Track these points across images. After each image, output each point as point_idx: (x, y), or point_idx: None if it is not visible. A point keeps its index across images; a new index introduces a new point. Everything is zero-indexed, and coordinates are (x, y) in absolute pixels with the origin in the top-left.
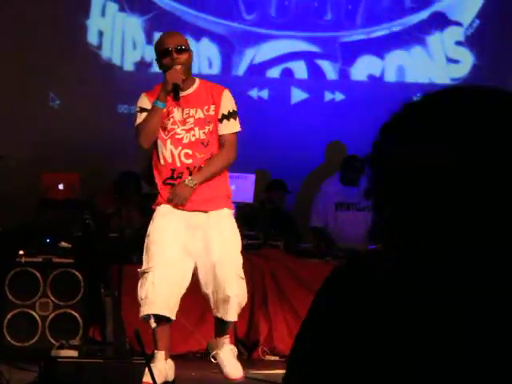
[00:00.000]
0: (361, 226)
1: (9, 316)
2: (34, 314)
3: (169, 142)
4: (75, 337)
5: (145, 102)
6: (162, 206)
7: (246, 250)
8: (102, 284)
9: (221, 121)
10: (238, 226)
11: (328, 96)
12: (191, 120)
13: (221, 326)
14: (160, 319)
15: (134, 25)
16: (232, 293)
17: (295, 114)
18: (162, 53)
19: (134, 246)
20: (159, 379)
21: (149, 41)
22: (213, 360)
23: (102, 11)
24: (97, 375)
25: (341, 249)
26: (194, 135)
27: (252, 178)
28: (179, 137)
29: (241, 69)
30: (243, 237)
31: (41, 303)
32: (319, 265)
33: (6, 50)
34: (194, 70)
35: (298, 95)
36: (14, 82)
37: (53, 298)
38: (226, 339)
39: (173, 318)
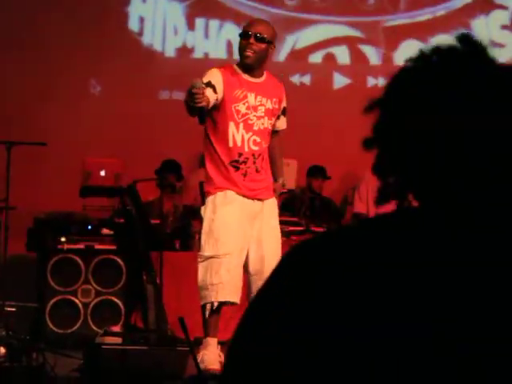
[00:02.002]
0: None
1: (51, 303)
2: (75, 300)
3: (241, 125)
4: (117, 324)
5: (217, 79)
6: (226, 191)
7: (288, 237)
8: (143, 271)
9: (279, 116)
10: (280, 213)
11: (371, 81)
12: (262, 108)
13: None
14: (220, 307)
15: (175, 10)
16: None
17: (337, 99)
18: (242, 34)
19: (175, 233)
20: (216, 365)
21: (190, 26)
22: None
23: None
24: (141, 362)
25: None
26: (263, 124)
27: (294, 164)
28: (251, 122)
29: (282, 54)
30: (286, 223)
31: (83, 290)
32: None
33: (47, 37)
34: (235, 56)
35: (340, 81)
36: (55, 69)
37: (95, 285)
38: None
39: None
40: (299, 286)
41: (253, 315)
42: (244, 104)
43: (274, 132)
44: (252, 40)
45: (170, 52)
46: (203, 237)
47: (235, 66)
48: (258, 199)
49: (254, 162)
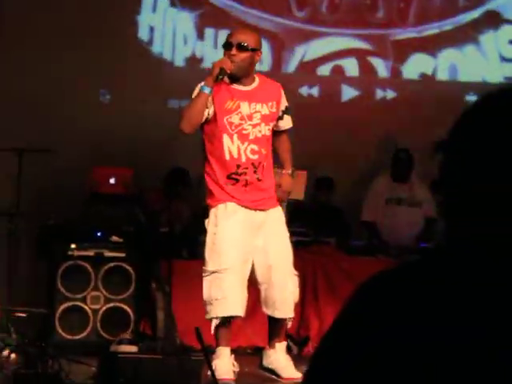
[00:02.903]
0: (411, 222)
1: (60, 309)
2: (85, 307)
3: (235, 136)
4: (126, 331)
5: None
6: (226, 203)
7: (296, 247)
8: (152, 279)
9: (281, 117)
10: (289, 223)
11: (379, 94)
12: (258, 115)
13: (274, 324)
14: (229, 319)
15: (185, 20)
16: (288, 291)
17: (346, 111)
18: (225, 45)
19: (184, 241)
20: (230, 374)
21: (200, 36)
22: (264, 371)
23: (153, 7)
24: (156, 371)
25: (393, 247)
26: (260, 131)
27: (304, 175)
28: (246, 132)
29: (291, 66)
30: (294, 234)
31: (92, 297)
32: (371, 262)
33: (57, 46)
34: None
35: (348, 93)
36: (65, 78)
37: (104, 292)
38: (280, 342)
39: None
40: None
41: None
42: (237, 114)
43: (280, 132)
44: (234, 50)
45: (180, 61)
46: (207, 251)
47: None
48: (261, 209)
49: (255, 172)
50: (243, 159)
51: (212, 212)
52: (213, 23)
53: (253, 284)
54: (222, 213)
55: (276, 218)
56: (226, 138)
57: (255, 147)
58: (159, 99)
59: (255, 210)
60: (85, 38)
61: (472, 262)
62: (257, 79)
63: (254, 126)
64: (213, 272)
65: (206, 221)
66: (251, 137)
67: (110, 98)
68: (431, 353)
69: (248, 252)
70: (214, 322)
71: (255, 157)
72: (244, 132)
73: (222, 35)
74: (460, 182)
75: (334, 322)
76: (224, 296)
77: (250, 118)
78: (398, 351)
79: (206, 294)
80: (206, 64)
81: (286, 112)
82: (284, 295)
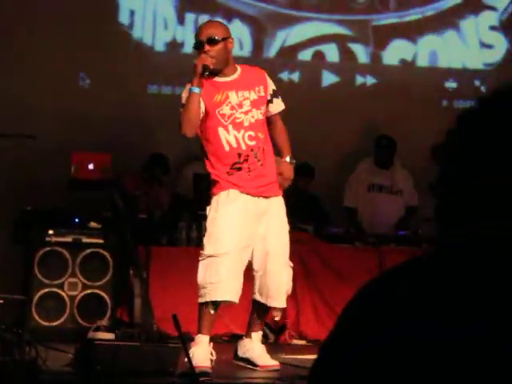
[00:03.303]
0: (391, 209)
1: (37, 295)
2: (62, 293)
3: (230, 127)
4: (103, 317)
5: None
6: (229, 190)
7: None
8: (130, 265)
9: (271, 100)
10: None
11: (359, 80)
12: (247, 102)
13: (262, 313)
14: (218, 305)
15: (165, 4)
16: (282, 281)
17: (326, 97)
18: (196, 44)
19: (163, 227)
20: (207, 362)
21: (180, 21)
22: (238, 361)
23: None
24: (133, 358)
25: (371, 235)
26: (252, 117)
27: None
28: (239, 120)
29: (272, 51)
30: None
31: (69, 283)
32: (349, 250)
33: (36, 28)
34: None
35: (329, 78)
36: (43, 61)
37: (82, 278)
38: (259, 332)
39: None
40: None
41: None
42: (227, 105)
43: (272, 117)
44: (207, 47)
45: (160, 46)
46: (206, 236)
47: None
48: (264, 197)
49: (256, 156)
50: (243, 147)
51: (214, 199)
52: (194, 8)
53: (251, 271)
54: (223, 199)
55: (278, 207)
56: (221, 131)
57: (252, 133)
58: (139, 84)
59: (258, 197)
60: (65, 22)
61: (476, 256)
62: (239, 68)
63: (246, 112)
64: (209, 256)
65: (208, 208)
66: (246, 124)
67: (89, 82)
68: (440, 349)
69: (249, 238)
70: (206, 307)
71: (253, 142)
72: (237, 121)
73: (203, 20)
74: (456, 180)
75: (340, 317)
76: (219, 280)
77: (240, 105)
78: (408, 347)
79: (200, 278)
80: (187, 49)
81: (274, 95)
82: (278, 284)
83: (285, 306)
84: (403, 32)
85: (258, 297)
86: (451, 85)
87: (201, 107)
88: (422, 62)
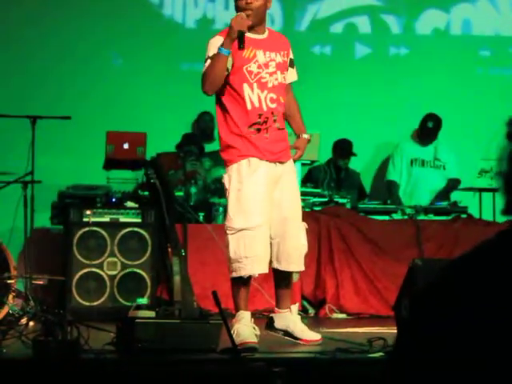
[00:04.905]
0: (434, 183)
1: (77, 276)
2: (102, 273)
3: (255, 85)
4: (143, 296)
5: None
6: (249, 159)
7: (311, 208)
8: (168, 243)
9: (287, 69)
10: (304, 183)
11: (392, 51)
12: (273, 64)
13: (285, 280)
14: (250, 278)
15: None
16: (300, 244)
17: (359, 69)
18: None
19: (199, 204)
20: (253, 338)
21: None
22: (275, 332)
23: None
24: (175, 336)
25: (408, 206)
26: (276, 79)
27: (316, 136)
28: (264, 80)
29: (303, 24)
30: (309, 194)
31: (108, 263)
32: (386, 222)
33: (68, 9)
34: None
35: (362, 50)
36: (76, 41)
37: (120, 258)
38: (294, 304)
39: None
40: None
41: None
42: (255, 63)
43: (286, 86)
44: None
45: (191, 23)
46: (231, 208)
47: None
48: (280, 162)
49: (275, 121)
50: (264, 108)
51: (234, 168)
52: None
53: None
54: (245, 169)
55: (291, 170)
56: (246, 88)
57: (274, 95)
58: (171, 62)
59: (275, 162)
60: (95, 2)
61: None
62: (266, 30)
63: (271, 74)
64: (240, 230)
65: (225, 176)
66: (269, 85)
67: (121, 61)
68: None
69: (270, 206)
70: (241, 281)
71: (274, 105)
72: (263, 80)
73: None
74: None
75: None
76: (255, 254)
77: (267, 66)
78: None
79: (233, 252)
80: (217, 25)
81: (291, 65)
82: (297, 248)
83: (303, 269)
84: (435, 1)
85: (276, 265)
86: (485, 53)
87: (227, 64)
88: (456, 30)
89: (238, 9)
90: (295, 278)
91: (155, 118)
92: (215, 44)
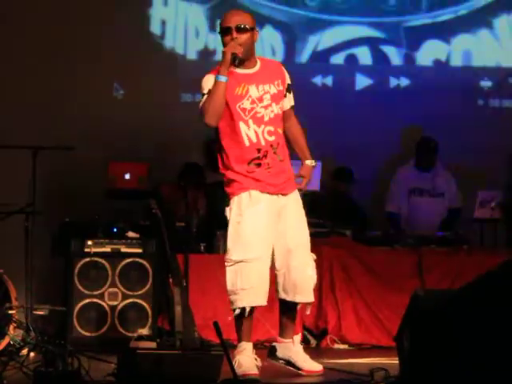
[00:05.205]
0: (433, 212)
1: (78, 306)
2: (103, 303)
3: (251, 121)
4: (144, 326)
5: (212, 82)
6: (249, 191)
7: (313, 238)
8: (169, 273)
9: (285, 95)
10: (306, 214)
11: (393, 82)
12: (267, 96)
13: (291, 311)
14: (252, 311)
15: (196, 13)
16: (307, 275)
17: (360, 100)
18: (223, 31)
19: (200, 235)
20: (255, 369)
21: (212, 29)
22: (276, 361)
23: (165, 0)
24: (176, 367)
25: (410, 236)
26: (272, 111)
27: (318, 165)
28: (260, 115)
29: (304, 56)
30: (311, 225)
31: (109, 293)
32: (388, 252)
33: (70, 41)
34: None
35: (362, 81)
36: (79, 72)
37: (121, 288)
38: (297, 334)
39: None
40: None
41: None
42: (248, 99)
43: (285, 113)
44: (235, 34)
45: (192, 54)
46: (230, 240)
47: None
48: (283, 194)
49: (275, 152)
50: (262, 142)
51: (235, 200)
52: None
53: (273, 271)
54: (245, 201)
55: (295, 201)
56: (242, 125)
57: (271, 128)
58: (173, 93)
59: (277, 194)
60: (97, 33)
61: None
62: (258, 61)
63: (266, 107)
64: (238, 261)
65: (227, 209)
66: (266, 119)
67: (123, 92)
68: None
69: (271, 238)
70: (238, 313)
71: (272, 138)
72: (258, 115)
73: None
74: None
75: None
76: (252, 286)
77: (261, 100)
78: None
79: (230, 284)
80: (219, 56)
81: (288, 90)
82: (304, 279)
83: (313, 300)
84: (436, 32)
85: (283, 295)
86: (486, 83)
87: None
88: (456, 61)
89: (224, 45)
90: (307, 310)
91: (157, 148)
92: (208, 80)
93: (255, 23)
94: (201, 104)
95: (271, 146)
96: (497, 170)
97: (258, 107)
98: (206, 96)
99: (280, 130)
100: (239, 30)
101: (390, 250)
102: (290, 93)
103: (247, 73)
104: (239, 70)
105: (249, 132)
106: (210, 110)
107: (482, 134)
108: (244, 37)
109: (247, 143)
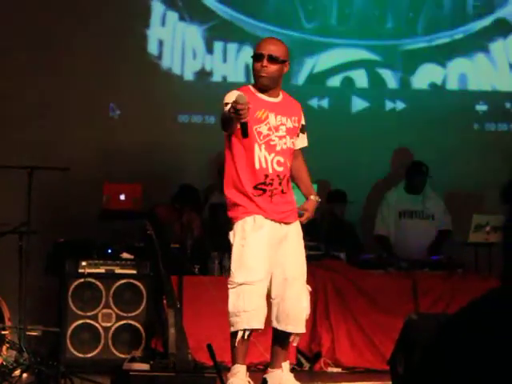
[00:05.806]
0: (423, 234)
1: (72, 327)
2: (96, 325)
3: (263, 146)
4: (138, 348)
5: (233, 98)
6: (254, 216)
7: (307, 261)
8: (164, 295)
9: (298, 134)
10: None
11: (389, 105)
12: (283, 128)
13: (283, 340)
14: (250, 334)
15: (194, 34)
16: (302, 306)
17: (356, 123)
18: (255, 56)
19: (194, 256)
20: None
21: (209, 50)
22: None
23: (163, 21)
24: None
25: (404, 260)
26: (285, 143)
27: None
28: (273, 143)
29: (301, 78)
30: (305, 248)
31: (103, 314)
32: (382, 276)
33: (67, 61)
34: (253, 80)
35: (358, 104)
36: (74, 93)
37: (115, 309)
38: (287, 361)
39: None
40: None
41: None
42: (266, 125)
43: (294, 151)
44: (265, 62)
45: (189, 75)
46: (234, 263)
47: (251, 88)
48: (285, 223)
49: (280, 184)
50: (270, 170)
51: (239, 224)
52: (222, 36)
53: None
54: (250, 225)
55: (296, 232)
56: (255, 147)
57: (281, 159)
58: (169, 113)
59: (280, 223)
60: (94, 53)
61: None
62: (281, 94)
63: (280, 137)
64: (241, 284)
65: (231, 233)
66: (278, 148)
67: (119, 113)
68: None
69: (271, 264)
70: (240, 336)
71: (281, 169)
72: (271, 143)
73: (231, 48)
74: None
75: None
76: (253, 308)
77: (277, 129)
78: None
79: (232, 306)
80: (216, 78)
81: (302, 130)
82: (297, 310)
83: (304, 331)
84: (432, 56)
85: (275, 324)
86: (482, 108)
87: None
88: (452, 85)
89: (254, 71)
90: (295, 341)
91: (152, 169)
92: (232, 98)
93: (288, 56)
94: (222, 112)
95: (278, 175)
96: (492, 193)
97: (272, 135)
98: (225, 107)
99: (288, 164)
100: (271, 59)
101: (383, 273)
102: (303, 133)
103: (270, 101)
104: (263, 96)
105: (260, 156)
106: (224, 124)
107: (478, 157)
108: (274, 67)
109: (257, 166)
